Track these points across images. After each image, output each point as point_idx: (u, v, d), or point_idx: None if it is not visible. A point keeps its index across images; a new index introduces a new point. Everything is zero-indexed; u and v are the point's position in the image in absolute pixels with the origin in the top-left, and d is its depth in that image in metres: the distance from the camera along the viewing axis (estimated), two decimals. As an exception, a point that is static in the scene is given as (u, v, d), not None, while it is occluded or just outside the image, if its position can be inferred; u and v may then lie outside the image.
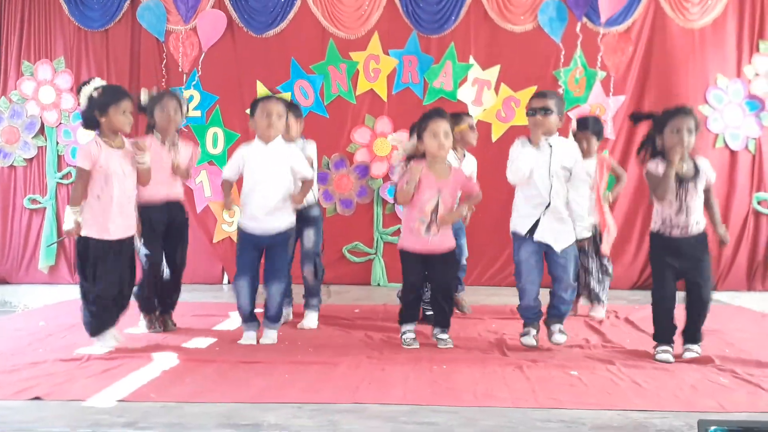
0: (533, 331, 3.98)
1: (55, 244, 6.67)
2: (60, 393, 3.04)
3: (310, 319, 4.62)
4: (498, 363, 3.63)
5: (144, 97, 4.37)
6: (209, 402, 2.94)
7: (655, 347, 3.79)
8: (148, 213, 4.20)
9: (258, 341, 4.09)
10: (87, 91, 3.85)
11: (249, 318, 4.13)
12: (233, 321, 4.74)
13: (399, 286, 4.69)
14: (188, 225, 4.53)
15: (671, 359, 3.67)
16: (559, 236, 3.90)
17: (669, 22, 6.49)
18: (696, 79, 6.47)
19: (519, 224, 3.97)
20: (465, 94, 6.60)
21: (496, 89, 6.59)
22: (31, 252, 6.86)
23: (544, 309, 4.06)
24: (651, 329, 3.90)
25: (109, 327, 3.84)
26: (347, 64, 6.65)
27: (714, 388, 3.19)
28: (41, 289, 6.46)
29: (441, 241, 3.98)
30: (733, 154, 6.55)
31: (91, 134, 3.91)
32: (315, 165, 4.66)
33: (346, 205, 6.68)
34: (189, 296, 5.22)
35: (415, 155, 4.00)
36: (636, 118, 3.98)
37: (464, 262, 4.95)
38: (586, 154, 4.82)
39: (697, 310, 3.74)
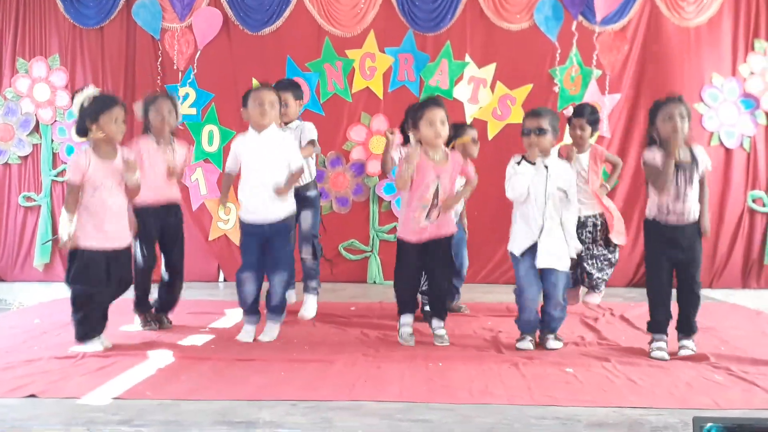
0: (529, 337, 3.97)
1: (50, 242, 6.66)
2: (55, 391, 3.04)
3: (309, 307, 4.62)
4: (493, 360, 3.63)
5: (137, 110, 4.39)
6: (205, 399, 2.94)
7: (650, 342, 3.80)
8: (143, 216, 4.18)
9: (256, 338, 4.06)
10: (79, 99, 3.84)
11: (251, 310, 4.11)
12: (229, 319, 4.75)
13: (392, 284, 4.70)
14: (182, 227, 4.51)
15: (666, 356, 3.68)
16: (558, 258, 3.87)
17: (664, 20, 6.50)
18: (691, 77, 6.48)
19: (515, 245, 3.95)
20: (461, 92, 6.60)
21: (492, 87, 6.59)
22: (26, 250, 6.84)
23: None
24: (646, 327, 3.90)
25: (97, 334, 3.81)
26: (343, 62, 6.64)
27: (709, 386, 3.20)
28: (36, 287, 6.45)
29: (441, 226, 3.98)
30: (728, 152, 6.57)
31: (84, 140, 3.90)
32: (315, 137, 4.66)
33: (342, 203, 6.68)
34: (185, 294, 5.17)
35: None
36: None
37: (464, 273, 4.94)
38: (578, 142, 4.83)
39: (690, 301, 3.76)
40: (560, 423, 2.68)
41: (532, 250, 3.88)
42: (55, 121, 6.77)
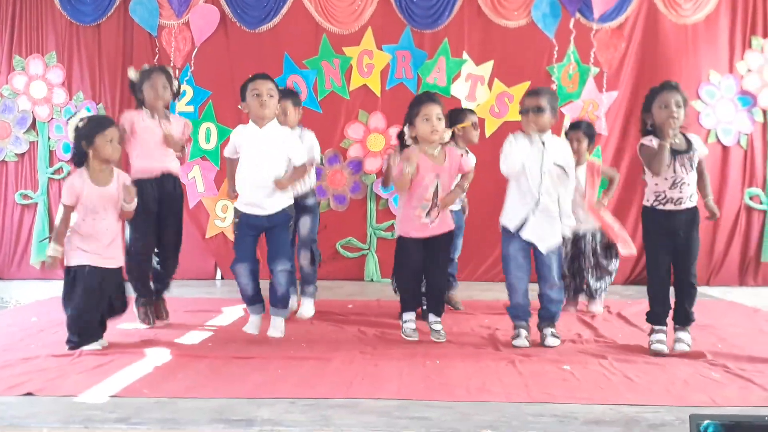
0: (524, 332, 3.96)
1: (47, 240, 6.64)
2: (52, 389, 3.03)
3: (307, 307, 4.62)
4: (491, 358, 3.63)
5: (132, 74, 4.33)
6: (202, 397, 2.93)
7: (649, 333, 3.81)
8: (140, 188, 4.04)
9: (264, 333, 4.03)
10: (73, 123, 3.83)
11: (253, 299, 4.03)
12: (226, 316, 4.74)
13: (391, 282, 4.69)
14: (183, 200, 4.48)
15: (666, 350, 3.70)
16: (545, 236, 3.88)
17: (662, 18, 6.51)
18: (689, 74, 6.49)
19: (508, 220, 3.95)
20: (458, 89, 6.60)
21: (490, 85, 6.60)
22: (22, 247, 6.84)
23: (533, 306, 4.06)
24: (644, 325, 3.92)
25: (93, 341, 3.79)
26: (341, 60, 6.64)
27: (706, 383, 3.20)
28: (33, 285, 6.43)
29: (441, 224, 3.98)
30: (725, 149, 6.58)
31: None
32: (318, 154, 4.62)
33: (340, 201, 6.68)
34: (182, 292, 5.21)
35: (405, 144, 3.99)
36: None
37: (455, 260, 4.95)
38: (576, 156, 4.82)
39: (687, 293, 3.76)
40: (557, 420, 2.69)
41: (522, 228, 3.88)
42: (52, 118, 6.76)
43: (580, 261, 4.86)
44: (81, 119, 3.85)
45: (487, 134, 6.51)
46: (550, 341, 3.92)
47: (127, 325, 4.32)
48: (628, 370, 3.39)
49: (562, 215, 3.92)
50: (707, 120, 6.52)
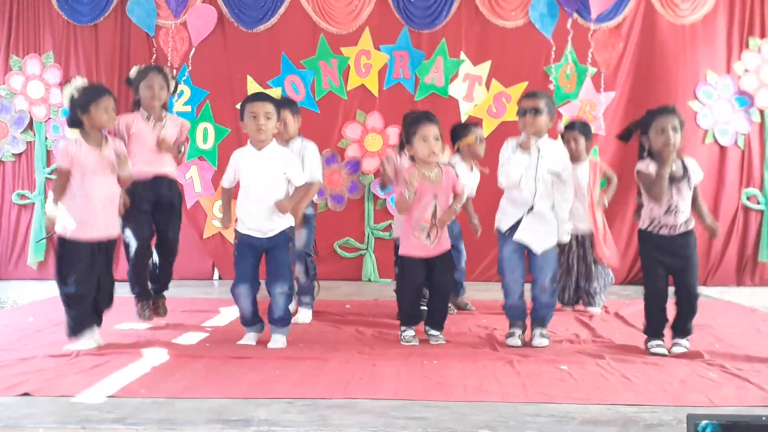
0: (518, 332, 3.97)
1: (44, 240, 6.64)
2: (49, 389, 3.03)
3: (304, 315, 4.62)
4: (488, 358, 3.63)
5: (133, 72, 4.33)
6: (199, 398, 2.93)
7: (646, 341, 3.81)
8: (133, 189, 4.07)
9: (261, 344, 3.95)
10: (68, 91, 3.83)
11: (251, 322, 3.99)
12: (224, 317, 4.74)
13: (389, 282, 4.71)
14: (181, 202, 4.46)
15: (666, 353, 3.70)
16: (539, 238, 3.89)
17: (659, 18, 6.51)
18: (686, 75, 6.50)
19: (502, 221, 3.98)
20: (456, 89, 6.60)
21: (487, 85, 6.60)
22: (20, 248, 6.83)
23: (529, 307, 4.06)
24: (641, 324, 3.91)
25: (88, 329, 3.80)
26: (338, 60, 6.64)
27: (703, 383, 3.20)
28: (30, 285, 6.43)
29: (439, 244, 3.97)
30: (722, 149, 6.59)
31: (77, 132, 3.88)
32: (319, 167, 4.55)
33: (338, 201, 6.68)
34: (179, 292, 5.20)
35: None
36: (626, 135, 3.92)
37: (463, 265, 4.96)
38: (575, 155, 4.83)
39: (687, 306, 3.76)
40: (554, 420, 2.69)
41: (516, 230, 3.88)
42: (49, 118, 6.75)
43: (578, 267, 4.87)
44: (76, 88, 3.83)
45: (485, 134, 6.48)
46: (538, 341, 3.92)
47: (124, 325, 4.32)
48: (626, 370, 3.39)
49: (559, 221, 3.93)
50: (704, 120, 6.53)
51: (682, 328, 3.79)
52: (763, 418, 2.16)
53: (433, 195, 3.91)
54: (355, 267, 6.70)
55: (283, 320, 3.94)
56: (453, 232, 4.73)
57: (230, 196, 4.06)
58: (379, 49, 6.63)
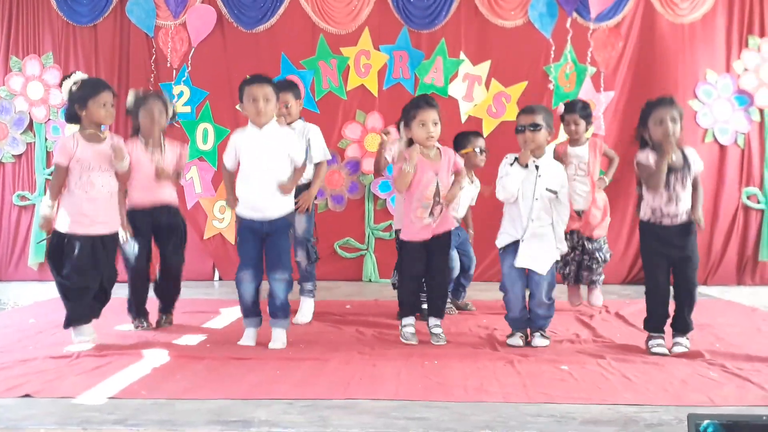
0: (519, 333, 4.00)
1: (45, 241, 6.62)
2: (50, 390, 3.03)
3: (305, 311, 4.59)
4: (489, 358, 3.63)
5: (130, 98, 4.28)
6: (200, 399, 2.93)
7: (647, 339, 3.81)
8: (133, 216, 4.19)
9: (260, 335, 3.98)
10: (67, 85, 3.82)
11: (251, 311, 3.97)
12: (224, 317, 4.74)
13: (389, 282, 4.70)
14: (184, 228, 4.44)
15: (667, 352, 3.70)
16: (538, 261, 3.90)
17: (659, 17, 6.51)
18: (685, 74, 6.50)
19: (501, 239, 4.01)
20: (456, 89, 6.60)
21: (487, 85, 6.60)
22: (20, 249, 6.83)
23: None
24: (641, 324, 3.91)
25: (84, 321, 3.80)
26: (338, 60, 6.64)
27: (704, 383, 3.20)
28: (31, 286, 6.43)
29: (443, 222, 3.98)
30: (722, 148, 6.59)
31: (76, 128, 3.88)
32: (325, 146, 4.58)
33: (338, 201, 6.68)
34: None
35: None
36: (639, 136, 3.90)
37: (471, 272, 4.98)
38: (574, 137, 4.83)
39: (686, 294, 3.77)
40: (555, 420, 2.69)
41: (515, 247, 3.90)
42: (49, 119, 6.76)
43: (580, 254, 4.87)
44: (75, 82, 3.83)
45: (485, 134, 6.47)
46: (538, 341, 3.94)
47: (124, 326, 4.33)
48: (626, 369, 3.40)
49: (557, 239, 3.95)
50: (704, 119, 6.53)
51: (682, 324, 3.78)
52: (764, 418, 2.16)
53: (434, 172, 3.91)
54: (355, 267, 6.70)
55: (284, 310, 3.93)
56: (460, 238, 4.75)
57: (232, 177, 4.00)
58: (378, 49, 6.63)
